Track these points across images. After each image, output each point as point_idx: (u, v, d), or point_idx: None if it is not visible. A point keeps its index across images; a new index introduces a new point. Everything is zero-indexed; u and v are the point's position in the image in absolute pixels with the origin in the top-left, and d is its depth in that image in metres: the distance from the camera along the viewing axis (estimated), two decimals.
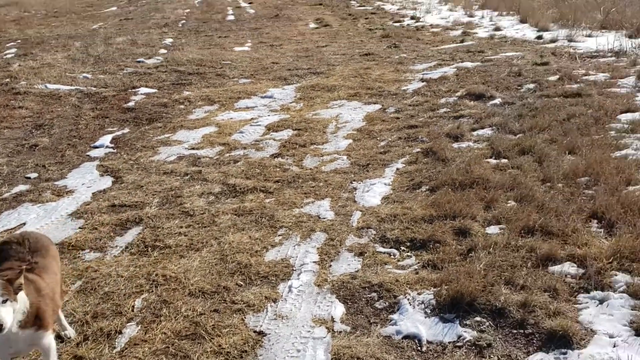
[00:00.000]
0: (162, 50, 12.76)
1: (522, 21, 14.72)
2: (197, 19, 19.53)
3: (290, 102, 7.93)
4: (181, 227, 4.32)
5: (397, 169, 5.18)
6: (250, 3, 25.82)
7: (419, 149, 5.53)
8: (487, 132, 5.88)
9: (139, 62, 11.52)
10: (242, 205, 4.61)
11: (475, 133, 5.89)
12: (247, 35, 14.78)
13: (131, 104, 8.15)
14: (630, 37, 10.96)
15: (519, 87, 7.64)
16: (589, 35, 11.52)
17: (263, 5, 24.42)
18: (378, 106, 7.39)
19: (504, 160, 4.98)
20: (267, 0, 27.15)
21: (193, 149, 6.14)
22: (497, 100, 7.10)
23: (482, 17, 16.23)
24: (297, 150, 5.89)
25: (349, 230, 4.13)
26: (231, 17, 19.71)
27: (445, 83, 8.28)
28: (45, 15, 25.74)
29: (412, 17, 16.76)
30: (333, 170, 5.30)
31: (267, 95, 8.32)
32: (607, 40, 10.54)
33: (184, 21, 19.14)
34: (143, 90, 8.97)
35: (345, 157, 5.55)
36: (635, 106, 6.25)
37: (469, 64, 9.42)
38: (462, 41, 11.99)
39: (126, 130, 7.00)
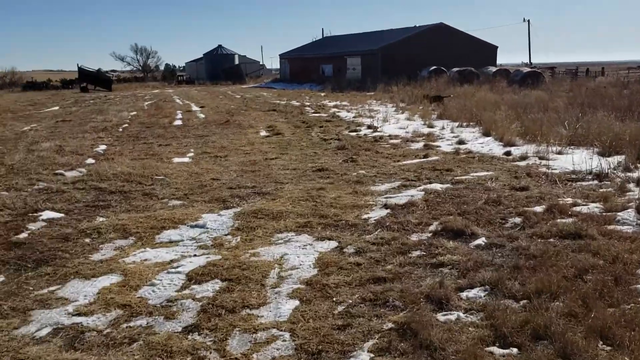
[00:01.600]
0: (89, 160, 11.21)
1: (485, 134, 14.04)
2: (141, 123, 18.29)
3: (225, 235, 6.38)
4: None
5: None
6: (201, 107, 24.95)
7: (391, 324, 3.99)
8: (479, 294, 4.43)
9: (57, 174, 9.90)
10: None
11: (464, 295, 4.43)
12: (191, 144, 13.48)
13: (23, 235, 6.42)
14: (602, 155, 10.18)
15: (503, 222, 6.38)
16: (560, 152, 10.72)
17: (215, 110, 23.55)
18: (334, 244, 5.92)
19: (514, 351, 3.49)
20: (220, 105, 26.43)
21: (79, 314, 4.41)
22: (481, 241, 5.76)
23: (443, 127, 15.58)
24: (223, 318, 4.25)
25: None
26: (178, 122, 18.56)
27: (414, 211, 6.96)
28: None
29: (369, 127, 15.97)
30: None
31: (199, 224, 6.76)
32: (581, 158, 9.70)
33: (126, 125, 17.85)
34: (46, 214, 7.28)
35: (287, 336, 3.94)
36: None
37: (438, 186, 8.23)
38: (425, 156, 10.98)
39: (0, 278, 5.23)
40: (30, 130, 16.90)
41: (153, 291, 4.84)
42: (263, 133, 15.45)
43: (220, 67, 64.68)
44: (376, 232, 6.25)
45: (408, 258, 5.41)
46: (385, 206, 7.28)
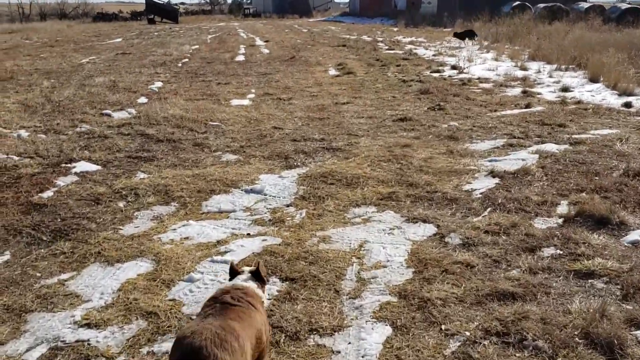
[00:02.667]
0: (141, 100, 10.07)
1: (592, 80, 11.83)
2: (202, 58, 17.02)
3: (287, 206, 5.03)
4: None
5: None
6: (266, 42, 23.38)
7: None
8: None
9: (103, 115, 8.82)
10: None
11: None
12: (252, 83, 12.08)
13: (48, 194, 5.32)
14: None
15: None
16: None
17: (280, 44, 21.93)
18: (431, 228, 4.45)
19: None
20: (286, 39, 24.75)
21: (89, 325, 3.23)
22: (638, 235, 4.11)
23: (539, 71, 13.38)
24: (281, 351, 2.94)
25: None
26: (241, 58, 17.15)
27: (531, 183, 5.34)
28: (43, 44, 23.60)
29: (454, 67, 13.97)
30: None
31: (255, 188, 5.44)
32: None
33: (186, 60, 16.63)
34: (81, 166, 6.18)
35: None
36: None
37: (554, 147, 6.50)
38: (527, 106, 9.09)
39: (5, 256, 4.13)
40: (88, 63, 16.02)
41: (190, 290, 3.58)
42: (332, 72, 13.81)
43: (287, 0, 62.26)
44: (486, 213, 4.70)
45: (539, 259, 3.87)
46: (492, 173, 5.67)
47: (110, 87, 11.44)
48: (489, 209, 4.78)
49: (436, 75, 12.97)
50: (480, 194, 5.16)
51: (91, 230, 4.54)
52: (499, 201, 4.92)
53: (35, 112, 9.03)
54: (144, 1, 51.56)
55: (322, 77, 12.99)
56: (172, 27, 37.87)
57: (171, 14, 50.23)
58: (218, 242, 4.30)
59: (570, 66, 13.89)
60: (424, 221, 4.56)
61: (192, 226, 4.60)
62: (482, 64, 14.99)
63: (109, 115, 8.82)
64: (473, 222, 4.52)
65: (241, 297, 2.41)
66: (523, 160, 6.08)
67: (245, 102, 9.97)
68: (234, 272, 2.68)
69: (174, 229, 4.54)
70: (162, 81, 12.42)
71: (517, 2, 36.59)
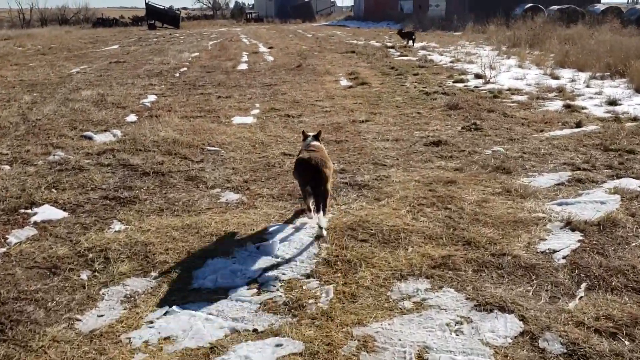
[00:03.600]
0: (131, 117, 8.82)
1: (639, 90, 10.52)
2: (202, 67, 15.77)
3: (307, 277, 3.74)
4: None
5: None
6: (270, 48, 22.09)
7: None
8: None
9: (84, 137, 7.57)
10: None
11: None
12: (257, 96, 10.82)
13: None
14: None
15: None
16: None
17: (285, 51, 20.66)
18: (514, 323, 3.15)
19: None
20: (290, 45, 23.47)
21: None
22: None
23: (573, 80, 12.10)
24: None
25: None
26: (243, 66, 15.90)
27: (627, 240, 4.04)
28: (35, 52, 22.39)
29: (478, 76, 12.68)
30: None
31: (264, 247, 4.15)
32: None
33: (184, 69, 15.39)
34: (44, 212, 4.91)
35: None
36: None
37: (634, 184, 5.19)
38: (578, 124, 7.79)
39: None
40: (78, 73, 14.79)
41: None
42: (344, 82, 12.52)
43: (290, 4, 61.18)
44: (582, 293, 3.40)
45: None
46: (569, 225, 4.36)
47: (97, 102, 10.19)
48: (584, 286, 3.47)
49: (460, 85, 11.68)
50: (564, 258, 3.86)
51: (37, 324, 3.24)
52: (596, 272, 3.61)
53: (6, 134, 7.78)
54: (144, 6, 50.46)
55: (333, 88, 11.70)
56: (173, 33, 36.76)
57: (172, 19, 49.13)
58: (212, 347, 2.99)
59: (605, 74, 12.61)
60: (501, 309, 3.25)
61: (177, 315, 3.30)
62: (506, 71, 13.70)
63: (90, 138, 7.55)
64: (569, 309, 3.21)
65: (318, 147, 4.65)
66: (602, 203, 4.77)
67: (249, 119, 8.69)
68: (305, 137, 4.86)
69: (151, 322, 3.24)
70: (156, 94, 11.16)
71: (530, 4, 35.33)
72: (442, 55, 18.37)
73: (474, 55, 17.80)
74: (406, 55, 18.40)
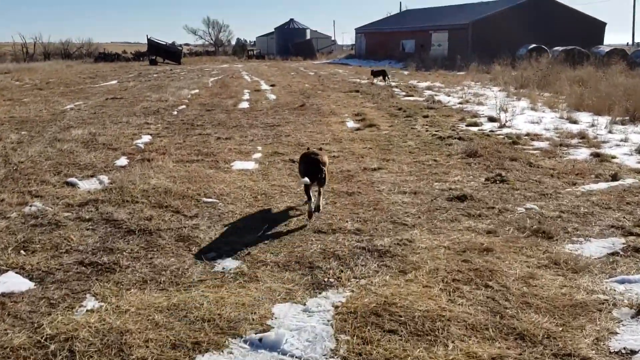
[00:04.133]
0: (121, 161, 8.11)
1: None
2: (202, 105, 15.18)
3: None
4: None
5: None
6: (272, 86, 21.60)
7: None
8: None
9: (68, 184, 6.82)
10: None
11: None
12: (259, 137, 10.15)
13: None
14: None
15: None
16: None
17: (287, 89, 20.14)
18: None
19: None
20: (293, 83, 22.99)
21: None
22: None
23: (592, 124, 11.47)
24: None
25: None
26: (245, 105, 15.31)
27: None
28: (32, 86, 21.88)
29: (492, 119, 12.07)
30: None
31: (267, 339, 3.35)
32: None
33: (183, 106, 14.78)
34: (7, 281, 4.15)
35: None
36: None
37: None
38: (614, 177, 7.05)
39: None
40: (72, 110, 14.17)
41: None
42: (351, 124, 11.87)
43: (291, 42, 61.54)
44: None
45: None
46: None
47: (87, 143, 9.49)
48: None
49: (475, 129, 11.02)
50: None
51: None
52: None
53: None
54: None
55: (339, 130, 11.04)
56: (174, 69, 36.53)
57: (174, 55, 49.14)
58: None
59: (625, 118, 11.99)
60: None
61: None
62: (520, 114, 13.07)
63: (73, 185, 6.81)
64: None
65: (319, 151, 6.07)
66: None
67: (251, 165, 7.96)
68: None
69: None
70: (151, 134, 10.48)
71: (533, 45, 35.23)
72: (449, 95, 17.84)
73: (482, 96, 17.27)
74: (412, 96, 17.87)
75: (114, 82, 24.40)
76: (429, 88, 20.72)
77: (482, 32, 38.97)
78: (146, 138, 10.09)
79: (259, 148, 9.20)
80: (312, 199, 5.44)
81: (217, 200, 6.14)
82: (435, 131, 10.68)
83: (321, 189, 5.61)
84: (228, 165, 7.95)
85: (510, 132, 10.54)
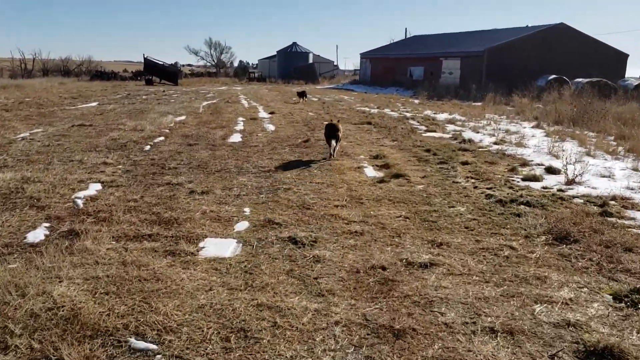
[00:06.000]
0: (34, 235, 5.35)
1: None
2: (184, 137, 12.46)
3: None
4: None
5: None
6: (271, 114, 18.86)
7: None
8: None
9: None
10: None
11: None
12: (248, 191, 7.41)
13: None
14: None
15: None
16: None
17: (288, 118, 17.44)
18: None
19: None
20: (295, 111, 20.29)
21: None
22: None
23: None
24: None
25: None
26: (236, 138, 12.59)
27: None
28: (2, 107, 19.20)
29: (551, 170, 9.36)
30: None
31: None
32: None
33: (161, 138, 12.06)
34: None
35: None
36: None
37: None
38: None
39: None
40: (22, 140, 11.47)
41: None
42: (370, 171, 9.13)
43: (293, 66, 59.37)
44: None
45: None
46: None
47: (6, 196, 6.74)
48: None
49: (537, 186, 8.28)
50: None
51: None
52: None
53: None
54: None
55: (357, 181, 8.30)
56: (168, 90, 34.05)
57: (170, 75, 46.81)
58: None
59: None
60: None
61: None
62: (579, 160, 10.32)
63: None
64: None
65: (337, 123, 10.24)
66: None
67: (230, 247, 5.19)
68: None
69: None
70: (103, 181, 7.74)
71: (554, 76, 32.82)
72: (477, 132, 15.17)
73: (516, 134, 14.62)
74: (434, 131, 15.20)
75: (95, 103, 21.75)
76: (450, 122, 18.07)
77: (497, 60, 36.63)
78: (94, 188, 7.35)
79: (246, 211, 6.44)
80: (332, 149, 10.05)
81: (155, 347, 3.35)
82: (487, 188, 7.95)
83: (337, 143, 10.12)
84: (194, 247, 5.17)
85: (587, 193, 7.81)
